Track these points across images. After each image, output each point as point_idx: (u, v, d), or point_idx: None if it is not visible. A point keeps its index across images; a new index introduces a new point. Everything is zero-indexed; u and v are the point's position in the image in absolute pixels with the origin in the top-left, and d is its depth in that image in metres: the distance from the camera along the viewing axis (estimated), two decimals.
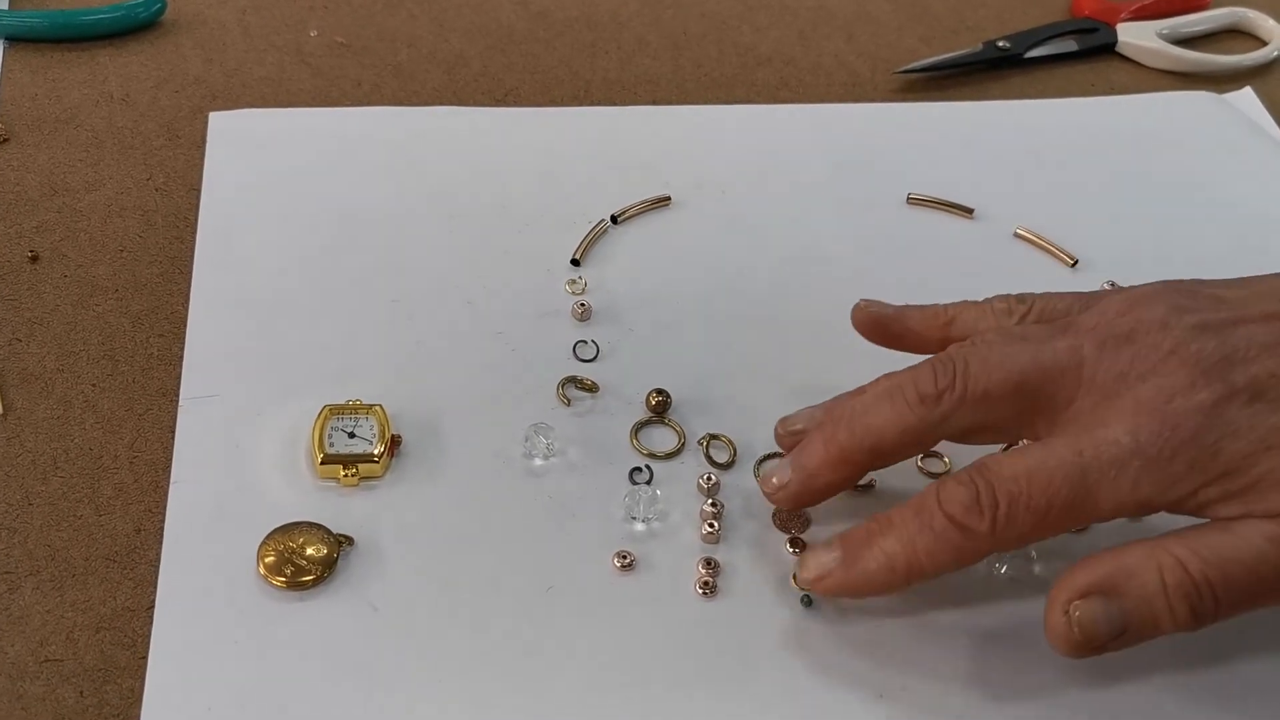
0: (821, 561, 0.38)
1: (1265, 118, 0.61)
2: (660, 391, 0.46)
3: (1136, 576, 0.35)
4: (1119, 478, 0.35)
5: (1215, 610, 0.35)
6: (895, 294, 0.45)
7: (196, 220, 0.53)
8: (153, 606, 0.39)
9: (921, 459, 0.45)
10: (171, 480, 0.42)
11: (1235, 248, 0.54)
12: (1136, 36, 0.66)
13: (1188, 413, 0.35)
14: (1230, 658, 0.40)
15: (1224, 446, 0.35)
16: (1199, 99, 0.62)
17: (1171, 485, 0.35)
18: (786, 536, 0.42)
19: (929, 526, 0.37)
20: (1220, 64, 0.65)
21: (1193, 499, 0.36)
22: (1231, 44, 0.68)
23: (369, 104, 0.60)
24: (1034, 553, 0.42)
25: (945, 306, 0.43)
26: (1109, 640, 0.36)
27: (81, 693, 0.37)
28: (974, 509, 0.36)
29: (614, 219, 0.54)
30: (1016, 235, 0.54)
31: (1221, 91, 0.63)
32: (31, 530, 0.41)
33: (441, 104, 0.61)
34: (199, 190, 0.54)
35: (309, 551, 0.40)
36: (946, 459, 0.45)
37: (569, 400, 0.46)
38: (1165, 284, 0.39)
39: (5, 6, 0.65)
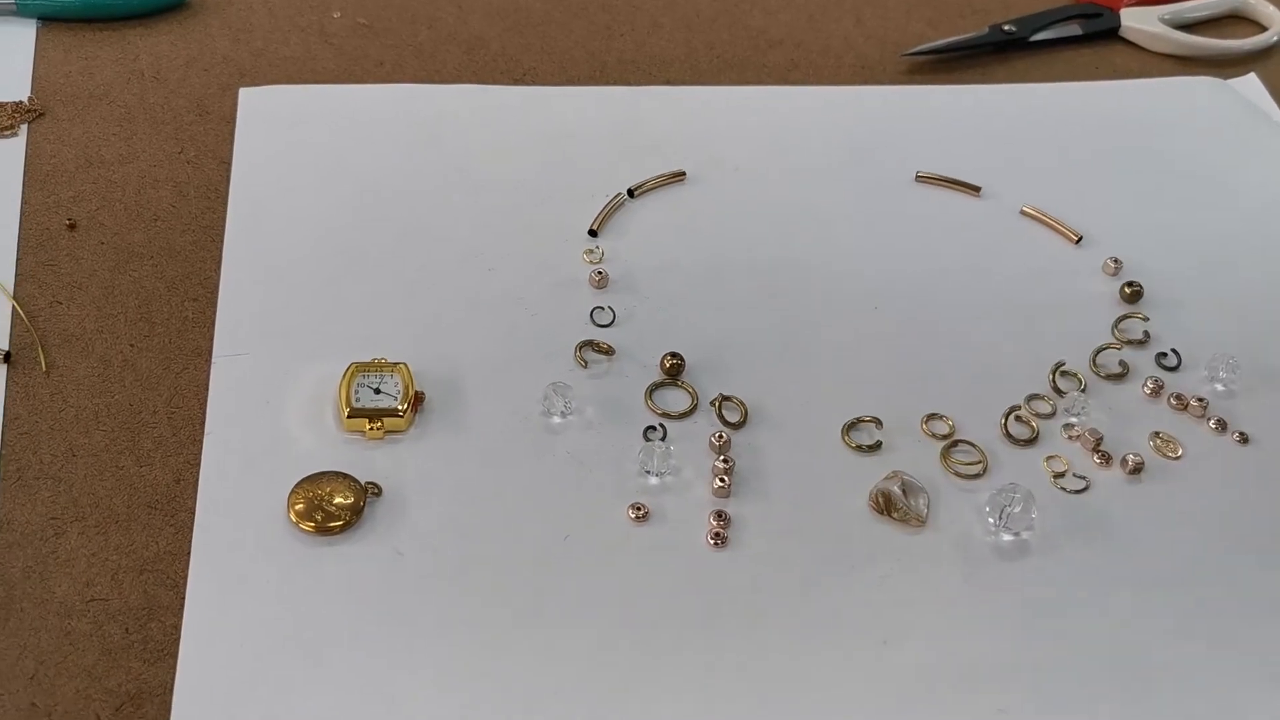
0: None
1: (1269, 103, 0.63)
2: (674, 354, 0.48)
3: None
4: None
5: None
6: (904, 266, 0.47)
7: (227, 191, 0.55)
8: (191, 551, 0.41)
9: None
10: (205, 432, 0.44)
11: (1238, 230, 0.56)
12: (1140, 21, 0.67)
13: None
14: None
15: None
16: (1204, 84, 0.63)
17: None
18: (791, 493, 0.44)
19: None
20: (1222, 49, 0.66)
21: None
22: (1233, 29, 0.69)
23: (391, 82, 0.62)
24: (1034, 514, 0.43)
25: None
26: None
27: (126, 629, 0.39)
28: None
29: (630, 192, 0.56)
30: (1023, 213, 0.56)
31: (1225, 77, 0.64)
32: (76, 480, 0.43)
33: (461, 83, 0.63)
34: (229, 163, 0.56)
35: (337, 499, 0.42)
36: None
37: (586, 363, 0.48)
38: None
39: None
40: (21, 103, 0.58)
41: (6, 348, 0.47)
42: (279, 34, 0.65)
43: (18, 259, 0.51)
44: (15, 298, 0.49)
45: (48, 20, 0.64)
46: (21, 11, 0.64)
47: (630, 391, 0.47)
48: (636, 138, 0.59)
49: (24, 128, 0.57)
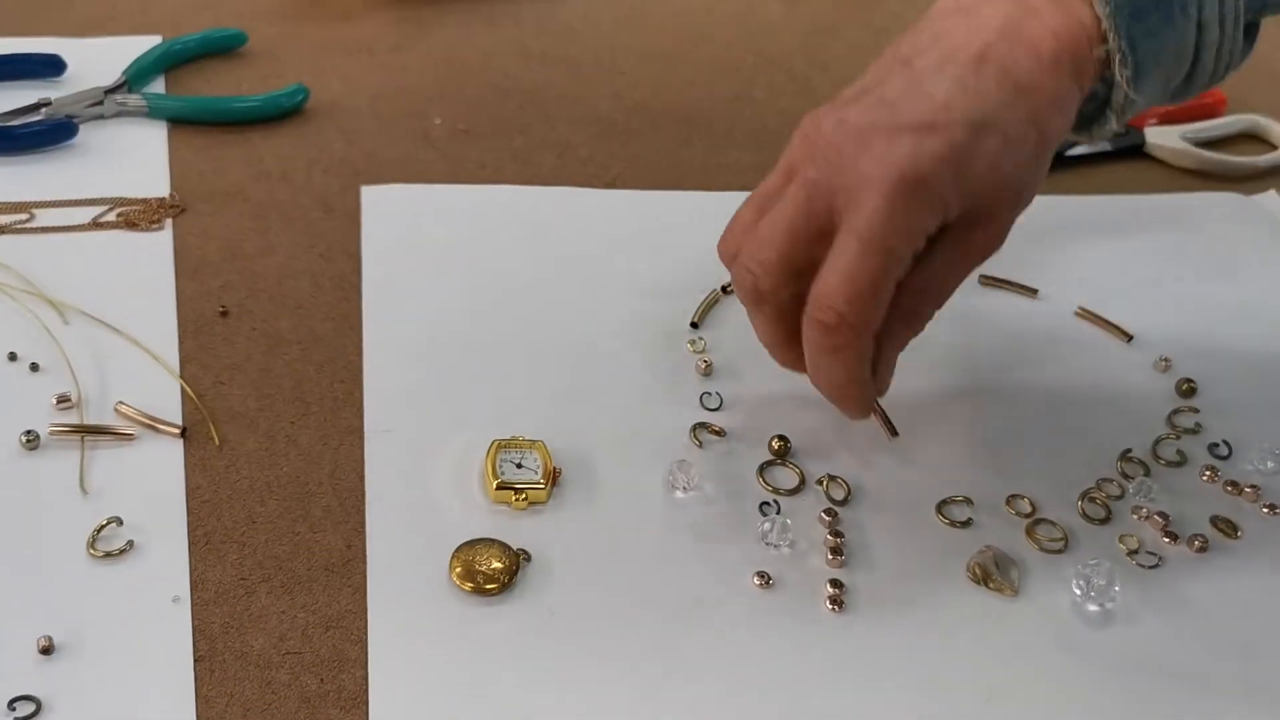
0: None
1: None
2: (781, 437, 0.53)
3: None
4: None
5: None
6: (976, 360, 0.52)
7: (357, 282, 0.60)
8: (368, 609, 0.45)
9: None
10: (367, 501, 0.49)
11: (1268, 330, 0.62)
12: (1163, 139, 0.74)
13: None
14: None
15: None
16: (1230, 200, 0.70)
17: None
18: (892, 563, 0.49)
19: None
20: (1238, 165, 0.73)
21: None
22: (1246, 147, 0.77)
23: (495, 183, 0.68)
24: (1117, 586, 0.48)
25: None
26: None
27: (321, 680, 0.43)
28: None
29: (725, 289, 0.61)
30: (1078, 314, 0.62)
31: (1245, 191, 0.71)
32: (258, 544, 0.47)
33: (555, 184, 0.68)
34: (357, 256, 0.62)
35: (494, 564, 0.47)
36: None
37: (701, 443, 0.53)
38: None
39: (162, 90, 0.73)
40: (165, 199, 0.64)
41: (182, 424, 0.51)
42: (387, 137, 0.71)
43: (179, 343, 0.55)
44: (181, 378, 0.54)
45: (175, 123, 0.70)
46: (152, 114, 0.70)
47: (742, 470, 0.52)
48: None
49: (168, 222, 0.62)
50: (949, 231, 0.47)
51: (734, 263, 0.49)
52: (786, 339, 0.49)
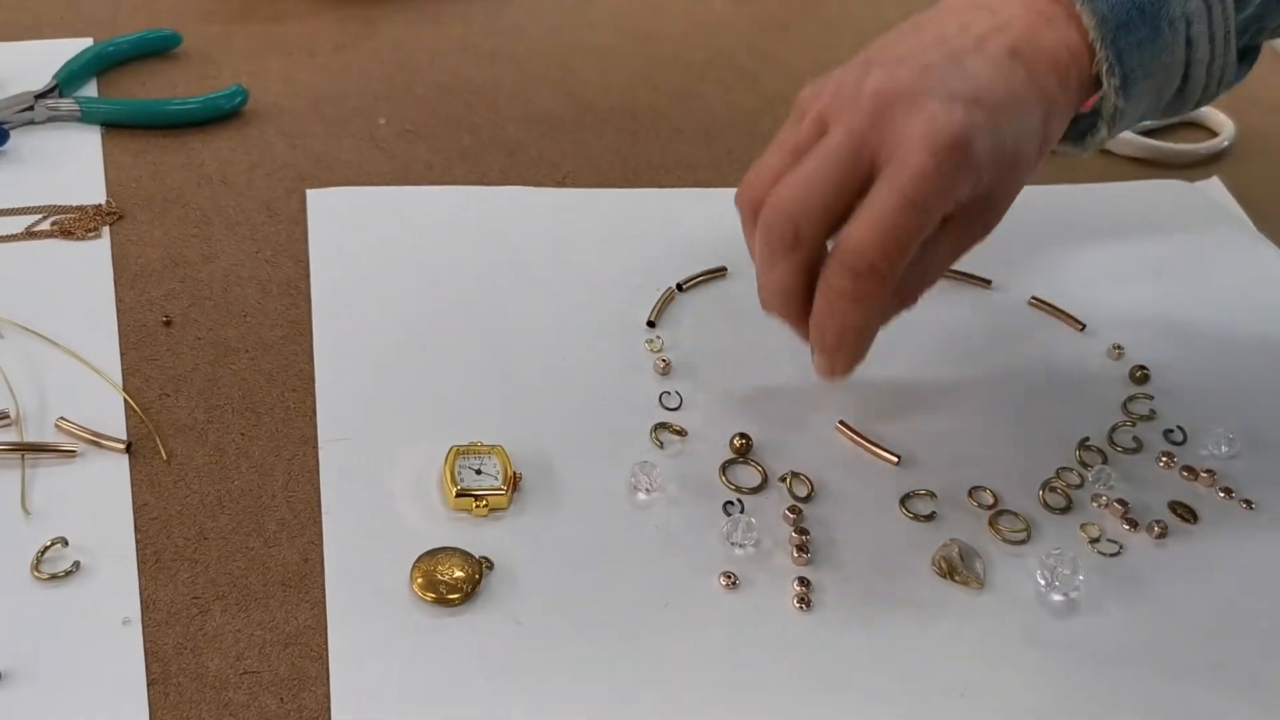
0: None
1: (1230, 201, 0.71)
2: (743, 435, 0.53)
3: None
4: None
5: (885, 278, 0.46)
6: (934, 348, 0.53)
7: (306, 287, 0.59)
8: (328, 624, 0.44)
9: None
10: (323, 513, 0.48)
11: (1215, 315, 0.62)
12: None
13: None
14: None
15: None
16: (1173, 187, 0.71)
17: None
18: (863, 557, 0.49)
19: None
20: (1181, 152, 0.74)
21: None
22: (1189, 134, 0.78)
23: (444, 184, 0.67)
24: (1080, 576, 0.48)
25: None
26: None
27: (281, 699, 0.41)
28: None
29: (679, 287, 0.61)
30: (1030, 304, 0.62)
31: (1187, 178, 0.72)
32: (211, 561, 0.46)
33: (506, 184, 0.67)
34: (304, 261, 0.60)
35: (456, 573, 0.46)
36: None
37: (661, 443, 0.53)
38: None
39: (95, 94, 0.71)
40: (101, 206, 0.62)
41: (127, 439, 0.50)
42: (332, 140, 0.69)
43: (121, 354, 0.54)
44: (125, 391, 0.52)
45: (110, 127, 0.68)
46: (85, 118, 0.68)
47: (704, 469, 0.52)
48: (676, 235, 0.64)
49: (106, 230, 0.60)
50: (958, 211, 0.48)
51: (765, 209, 0.48)
52: (805, 288, 0.49)
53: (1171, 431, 0.56)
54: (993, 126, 0.46)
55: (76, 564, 0.45)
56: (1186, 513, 0.52)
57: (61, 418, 0.50)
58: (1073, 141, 0.52)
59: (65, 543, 0.46)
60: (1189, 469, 0.54)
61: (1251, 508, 0.52)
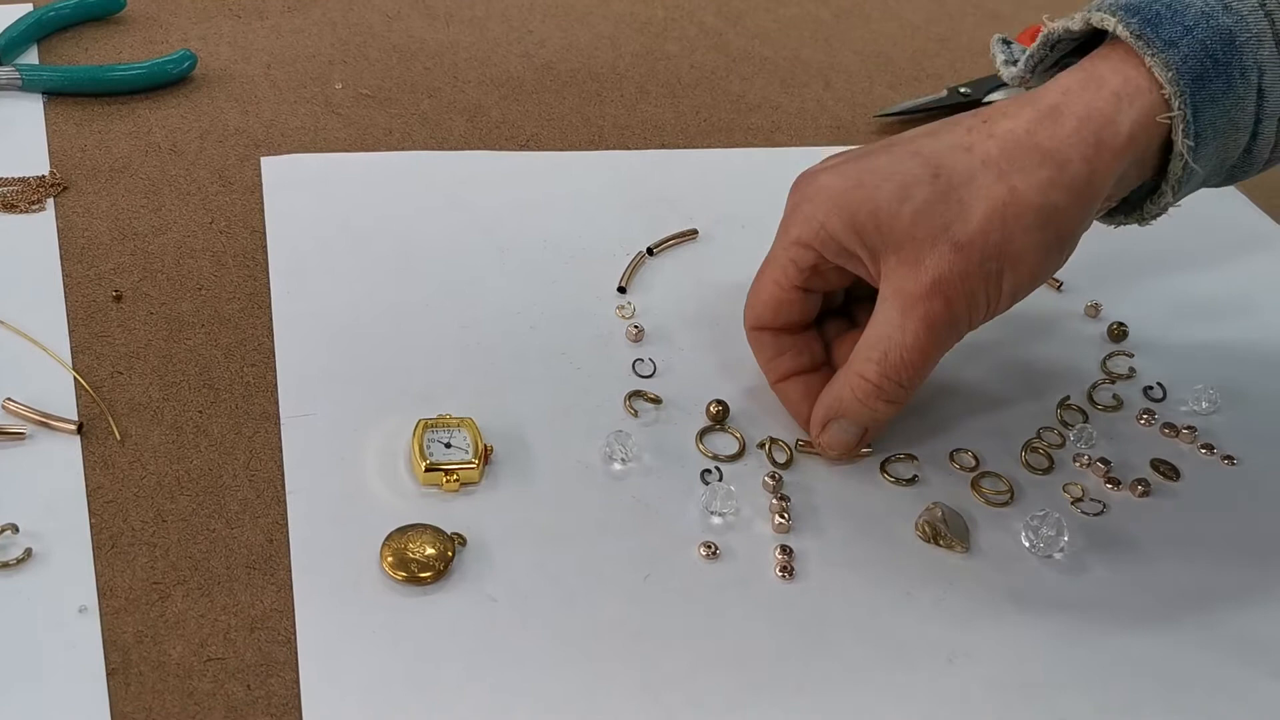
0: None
1: None
2: (719, 402, 0.51)
3: (844, 400, 0.48)
4: None
5: (905, 388, 0.48)
6: None
7: (263, 258, 0.56)
8: (295, 607, 0.42)
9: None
10: (287, 492, 0.46)
11: (1189, 271, 0.62)
12: None
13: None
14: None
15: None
16: None
17: None
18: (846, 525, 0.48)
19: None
20: None
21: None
22: None
23: (404, 149, 0.65)
24: (1065, 536, 0.47)
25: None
26: (859, 444, 0.49)
27: (248, 686, 0.40)
28: None
29: (650, 250, 0.59)
30: None
31: None
32: (171, 544, 0.44)
33: (468, 149, 0.65)
34: (260, 231, 0.58)
35: (427, 550, 0.44)
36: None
37: (636, 412, 0.51)
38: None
39: (36, 61, 0.68)
40: (44, 177, 0.59)
41: (78, 419, 0.47)
42: (286, 106, 0.67)
43: (70, 331, 0.51)
44: (75, 370, 0.50)
45: (52, 95, 0.65)
46: (26, 86, 0.65)
47: (681, 437, 0.51)
48: (644, 198, 0.63)
49: (50, 202, 0.58)
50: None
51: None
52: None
53: (1151, 388, 0.55)
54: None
55: (28, 551, 0.43)
56: (1169, 470, 0.51)
57: (8, 399, 0.48)
58: (1125, 215, 0.50)
59: (16, 529, 0.44)
60: (1170, 426, 0.53)
61: (1233, 463, 0.52)
